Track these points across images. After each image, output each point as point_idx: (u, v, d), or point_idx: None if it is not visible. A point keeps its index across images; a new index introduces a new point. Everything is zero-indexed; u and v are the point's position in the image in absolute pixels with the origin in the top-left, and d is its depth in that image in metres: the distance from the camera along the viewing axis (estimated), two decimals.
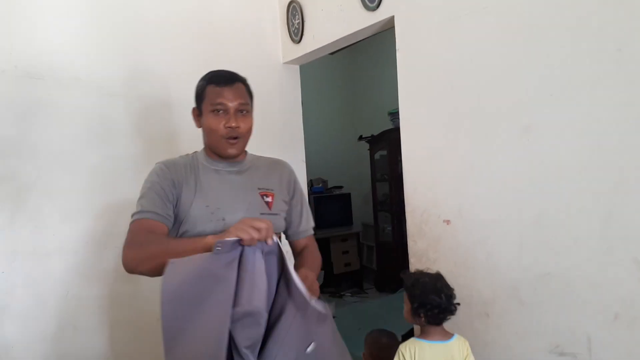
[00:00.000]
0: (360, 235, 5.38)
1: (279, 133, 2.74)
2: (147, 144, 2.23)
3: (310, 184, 5.14)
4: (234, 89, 1.37)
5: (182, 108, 2.38)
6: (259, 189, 1.44)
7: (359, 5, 2.21)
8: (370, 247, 5.35)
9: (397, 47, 2.06)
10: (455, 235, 1.87)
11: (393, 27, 2.09)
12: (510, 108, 1.64)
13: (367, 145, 4.93)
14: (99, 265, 2.10)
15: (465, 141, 1.81)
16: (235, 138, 1.37)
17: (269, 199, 1.43)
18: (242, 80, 1.43)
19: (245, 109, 1.39)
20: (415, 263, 2.04)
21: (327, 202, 5.17)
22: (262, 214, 1.39)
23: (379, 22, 2.14)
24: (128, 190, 1.84)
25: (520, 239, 1.64)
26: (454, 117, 1.85)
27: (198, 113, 1.42)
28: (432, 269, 1.91)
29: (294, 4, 2.61)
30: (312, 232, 1.59)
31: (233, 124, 1.35)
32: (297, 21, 2.61)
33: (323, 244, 5.04)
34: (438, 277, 1.64)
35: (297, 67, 2.85)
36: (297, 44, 2.64)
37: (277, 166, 1.55)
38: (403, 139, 2.08)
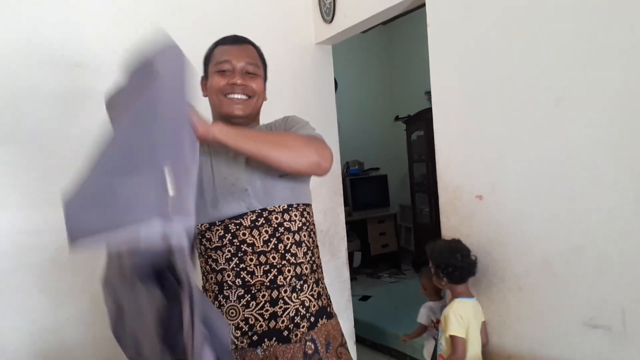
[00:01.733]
0: (398, 216, 5.39)
1: (311, 115, 2.74)
2: None
3: (347, 166, 5.17)
4: (242, 48, 1.30)
5: None
6: None
7: None
8: (407, 229, 5.36)
9: (427, 23, 2.05)
10: (488, 210, 1.86)
11: (424, 3, 2.08)
12: (543, 80, 1.61)
13: (403, 126, 4.89)
14: None
15: (498, 116, 1.79)
16: (242, 98, 1.26)
17: None
18: (252, 44, 1.34)
19: (255, 71, 1.29)
20: None
21: (364, 184, 5.19)
22: (281, 176, 1.25)
23: None
24: None
25: (553, 213, 1.62)
26: (486, 91, 1.83)
27: (205, 80, 1.33)
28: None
29: None
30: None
31: (238, 81, 1.25)
32: (328, 1, 2.62)
33: (360, 226, 5.09)
34: (453, 241, 1.89)
35: (330, 48, 2.86)
36: (329, 24, 2.65)
37: (275, 122, 1.38)
38: (435, 115, 2.07)
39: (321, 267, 1.37)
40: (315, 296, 1.29)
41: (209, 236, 1.26)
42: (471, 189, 1.93)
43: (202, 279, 1.33)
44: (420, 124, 4.58)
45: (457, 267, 1.81)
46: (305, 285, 1.28)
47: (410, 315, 2.60)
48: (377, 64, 5.74)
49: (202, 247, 1.29)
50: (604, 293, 1.48)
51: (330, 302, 1.36)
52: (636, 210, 1.39)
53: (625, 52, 1.39)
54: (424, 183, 4.79)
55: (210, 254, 1.27)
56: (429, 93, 4.44)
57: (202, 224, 1.26)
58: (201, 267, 1.33)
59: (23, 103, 1.91)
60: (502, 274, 1.81)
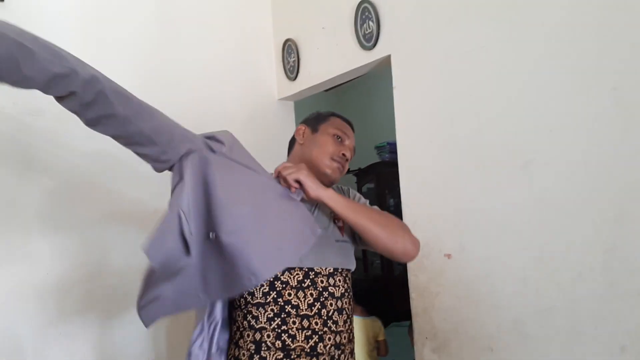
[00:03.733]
0: None
1: (272, 169, 2.75)
2: (151, 181, 2.20)
3: None
4: (352, 132, 1.52)
5: None
6: (331, 212, 1.36)
7: (355, 44, 2.27)
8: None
9: (394, 85, 2.12)
10: (457, 269, 1.88)
11: (389, 64, 2.15)
12: (510, 144, 1.69)
13: (354, 178, 4.96)
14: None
15: (466, 176, 1.85)
16: (341, 166, 1.44)
17: (340, 223, 1.38)
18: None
19: (351, 157, 1.49)
20: (417, 298, 2.04)
21: None
22: (337, 241, 1.34)
23: (375, 60, 2.20)
24: (144, 217, 1.93)
25: (523, 273, 1.66)
26: (454, 152, 1.89)
27: (310, 130, 1.49)
28: (435, 303, 1.93)
29: (290, 42, 2.67)
30: None
31: (347, 154, 1.45)
32: (292, 59, 2.66)
33: None
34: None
35: (292, 104, 2.89)
36: (293, 81, 2.69)
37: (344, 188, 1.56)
38: (401, 173, 2.10)
39: (354, 338, 1.35)
40: None
41: (252, 290, 1.21)
42: (440, 247, 1.95)
43: (236, 334, 1.26)
44: (371, 176, 4.65)
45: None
46: (342, 356, 1.24)
47: None
48: None
49: (242, 299, 1.24)
50: (576, 354, 1.51)
51: None
52: (605, 271, 1.45)
53: (590, 118, 1.48)
54: None
55: (250, 309, 1.22)
56: (379, 147, 4.59)
57: None
58: (236, 320, 1.26)
59: None
60: (473, 333, 1.82)
